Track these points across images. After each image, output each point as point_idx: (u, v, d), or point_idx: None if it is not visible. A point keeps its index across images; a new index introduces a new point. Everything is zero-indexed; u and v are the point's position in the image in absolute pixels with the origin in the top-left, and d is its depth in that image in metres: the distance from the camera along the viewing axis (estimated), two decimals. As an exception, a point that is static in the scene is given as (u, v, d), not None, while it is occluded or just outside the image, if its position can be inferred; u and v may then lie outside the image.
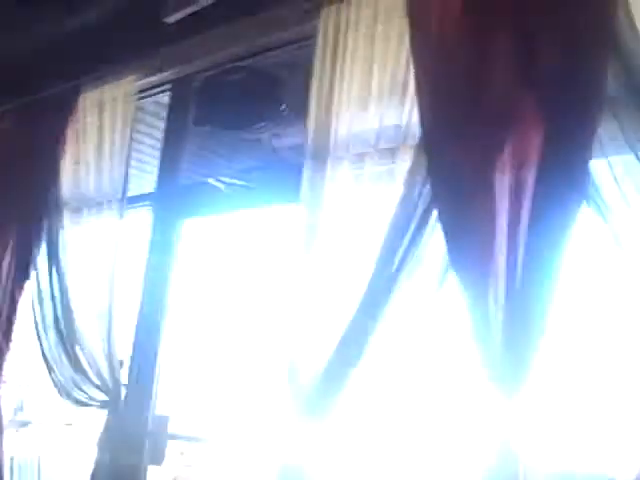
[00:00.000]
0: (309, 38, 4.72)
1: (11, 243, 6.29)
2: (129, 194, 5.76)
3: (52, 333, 5.89)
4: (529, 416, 3.51)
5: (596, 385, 3.82)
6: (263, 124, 5.33)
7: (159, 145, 6.06)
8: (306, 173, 4.49)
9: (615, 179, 3.36)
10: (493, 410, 3.67)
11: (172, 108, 5.98)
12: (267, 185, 5.11)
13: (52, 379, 5.84)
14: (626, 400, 3.60)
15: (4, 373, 6.24)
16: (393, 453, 4.36)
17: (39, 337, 5.96)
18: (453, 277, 3.73)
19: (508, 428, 3.53)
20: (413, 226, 3.94)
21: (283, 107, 5.27)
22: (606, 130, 3.38)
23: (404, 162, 4.11)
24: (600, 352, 3.83)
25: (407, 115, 4.16)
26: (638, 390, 3.54)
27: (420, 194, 3.94)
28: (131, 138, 5.84)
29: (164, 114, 6.08)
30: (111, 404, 5.46)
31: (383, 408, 4.22)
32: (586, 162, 3.38)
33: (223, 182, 5.34)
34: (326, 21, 4.58)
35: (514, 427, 3.53)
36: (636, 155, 3.29)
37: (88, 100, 6.13)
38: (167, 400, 5.92)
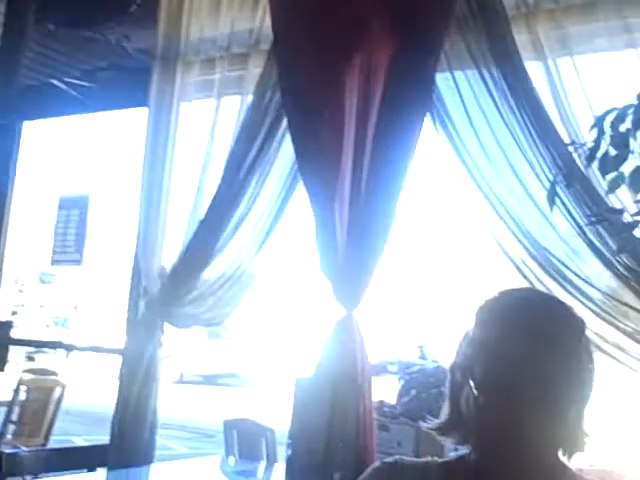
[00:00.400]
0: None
1: None
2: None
3: None
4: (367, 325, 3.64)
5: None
6: (112, 24, 5.08)
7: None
8: (155, 76, 4.36)
9: (459, 93, 3.46)
10: (336, 320, 3.78)
11: (11, 2, 5.59)
12: (114, 87, 4.92)
13: None
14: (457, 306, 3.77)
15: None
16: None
17: None
18: (301, 185, 3.78)
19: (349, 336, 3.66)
20: (263, 133, 3.93)
21: (133, 8, 5.03)
22: (452, 46, 3.47)
23: (256, 68, 4.07)
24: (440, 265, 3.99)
25: (259, 20, 4.10)
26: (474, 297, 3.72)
27: (270, 101, 3.93)
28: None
29: (1, 9, 5.67)
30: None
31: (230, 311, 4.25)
32: (432, 76, 3.46)
33: (67, 83, 5.10)
34: None
35: (354, 336, 3.66)
36: (479, 71, 3.38)
37: None
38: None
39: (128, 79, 4.82)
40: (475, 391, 1.21)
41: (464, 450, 1.31)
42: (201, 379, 19.38)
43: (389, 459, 1.41)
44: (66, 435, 9.25)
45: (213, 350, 19.68)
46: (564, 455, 1.27)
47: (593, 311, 3.14)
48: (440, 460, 1.38)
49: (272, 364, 23.90)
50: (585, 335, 1.28)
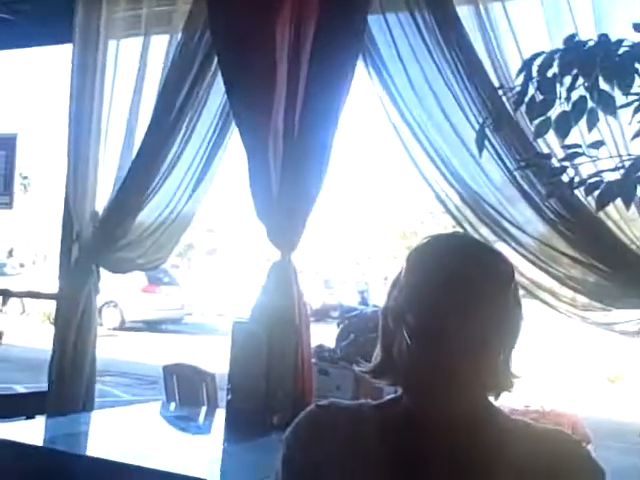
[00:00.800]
0: None
1: None
2: None
3: None
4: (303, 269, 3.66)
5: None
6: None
7: None
8: (79, 10, 4.22)
9: (391, 36, 3.45)
10: (272, 263, 3.80)
11: None
12: (36, 22, 4.70)
13: None
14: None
15: None
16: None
17: None
18: (233, 125, 3.75)
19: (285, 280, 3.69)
20: (193, 72, 3.86)
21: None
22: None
23: (185, 4, 3.97)
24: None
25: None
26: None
27: (200, 39, 3.84)
28: None
29: None
30: None
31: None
32: (364, 18, 3.44)
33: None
34: None
35: (291, 279, 3.69)
36: (412, 14, 3.38)
37: None
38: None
39: (49, 13, 4.52)
40: (407, 338, 1.22)
41: (397, 393, 1.33)
42: (143, 325, 19.29)
43: (323, 402, 1.42)
44: (8, 384, 9.16)
45: (154, 296, 19.56)
46: (493, 397, 1.30)
47: (525, 257, 3.22)
48: (374, 402, 1.40)
49: (214, 308, 23.97)
50: (514, 281, 1.29)
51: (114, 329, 18.37)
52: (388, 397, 1.38)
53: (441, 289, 1.22)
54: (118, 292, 17.99)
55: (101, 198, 4.23)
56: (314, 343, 4.03)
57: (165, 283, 20.23)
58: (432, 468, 1.27)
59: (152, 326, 19.35)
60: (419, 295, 1.24)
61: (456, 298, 1.21)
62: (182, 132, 3.93)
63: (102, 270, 4.33)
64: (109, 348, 13.57)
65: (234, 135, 3.84)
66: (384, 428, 1.33)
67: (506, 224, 3.26)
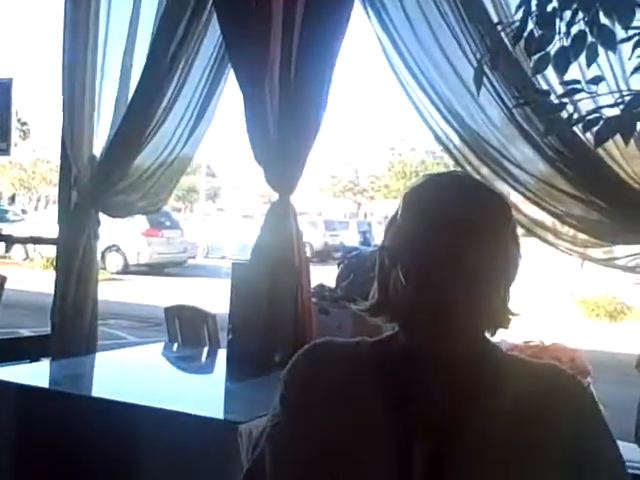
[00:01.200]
0: None
1: None
2: None
3: None
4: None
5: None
6: None
7: None
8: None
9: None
10: (271, 204, 3.80)
11: None
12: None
13: None
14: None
15: None
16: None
17: None
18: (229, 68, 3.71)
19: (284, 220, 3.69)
20: (188, 15, 3.80)
21: None
22: None
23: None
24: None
25: None
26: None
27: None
28: None
29: None
30: None
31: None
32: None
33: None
34: None
35: (290, 220, 3.69)
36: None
37: None
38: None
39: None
40: (402, 278, 1.22)
41: (395, 330, 1.34)
42: (146, 269, 19.39)
43: (319, 340, 1.43)
44: (14, 328, 9.23)
45: (157, 240, 19.62)
46: (489, 334, 1.31)
47: (526, 196, 3.21)
48: (371, 340, 1.40)
49: (216, 251, 24.07)
50: (512, 219, 1.28)
51: (117, 273, 18.47)
52: (385, 334, 1.38)
53: (436, 229, 1.21)
54: (120, 236, 18.06)
55: (99, 142, 4.20)
56: (315, 283, 4.05)
57: (167, 227, 20.29)
58: (429, 402, 1.28)
59: (155, 269, 19.46)
60: (415, 235, 1.23)
61: (452, 237, 1.20)
62: (178, 74, 3.89)
63: (102, 215, 4.33)
64: (113, 292, 13.69)
65: (232, 79, 3.79)
66: (381, 364, 1.33)
67: (506, 163, 3.24)
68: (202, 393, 3.32)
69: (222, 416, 2.88)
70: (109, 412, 2.86)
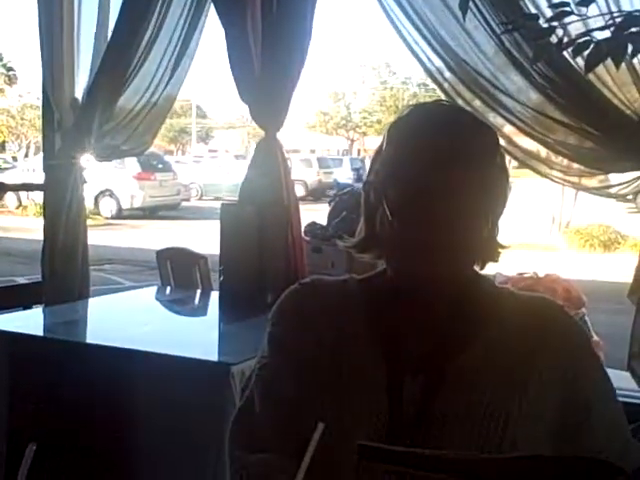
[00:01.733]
0: None
1: None
2: None
3: None
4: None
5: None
6: None
7: None
8: None
9: None
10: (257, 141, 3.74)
11: None
12: None
13: None
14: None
15: None
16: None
17: None
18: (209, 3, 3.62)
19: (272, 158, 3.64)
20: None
21: None
22: None
23: None
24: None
25: None
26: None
27: None
28: None
29: None
30: None
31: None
32: None
33: None
34: None
35: (277, 157, 3.64)
36: None
37: None
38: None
39: None
40: (389, 214, 1.19)
41: (383, 266, 1.32)
42: (140, 213, 19.35)
43: (305, 280, 1.41)
44: (9, 276, 9.25)
45: (149, 183, 19.55)
46: (478, 267, 1.29)
47: (519, 127, 3.14)
48: (359, 277, 1.38)
49: (209, 191, 24.02)
50: (499, 149, 1.24)
51: (112, 218, 18.43)
52: (373, 271, 1.36)
53: (421, 160, 1.18)
54: (113, 181, 17.96)
55: (80, 85, 4.11)
56: (307, 221, 4.02)
57: (159, 170, 20.19)
58: (417, 336, 1.26)
59: (149, 213, 19.42)
60: (399, 167, 1.20)
61: (437, 167, 1.17)
62: (157, 10, 3.78)
63: (91, 159, 4.27)
64: (108, 237, 13.69)
65: (213, 14, 3.69)
66: (369, 299, 1.31)
67: (498, 94, 3.16)
68: (195, 336, 3.32)
69: (216, 358, 2.88)
70: (104, 357, 2.86)
